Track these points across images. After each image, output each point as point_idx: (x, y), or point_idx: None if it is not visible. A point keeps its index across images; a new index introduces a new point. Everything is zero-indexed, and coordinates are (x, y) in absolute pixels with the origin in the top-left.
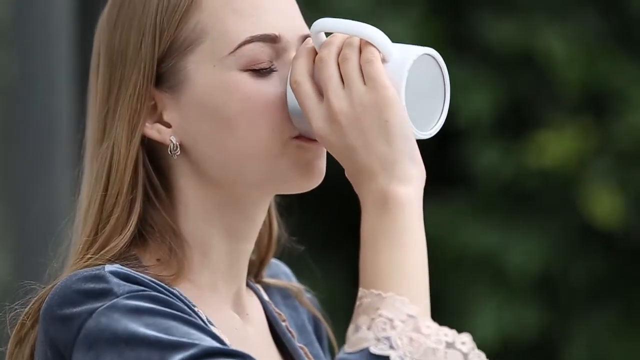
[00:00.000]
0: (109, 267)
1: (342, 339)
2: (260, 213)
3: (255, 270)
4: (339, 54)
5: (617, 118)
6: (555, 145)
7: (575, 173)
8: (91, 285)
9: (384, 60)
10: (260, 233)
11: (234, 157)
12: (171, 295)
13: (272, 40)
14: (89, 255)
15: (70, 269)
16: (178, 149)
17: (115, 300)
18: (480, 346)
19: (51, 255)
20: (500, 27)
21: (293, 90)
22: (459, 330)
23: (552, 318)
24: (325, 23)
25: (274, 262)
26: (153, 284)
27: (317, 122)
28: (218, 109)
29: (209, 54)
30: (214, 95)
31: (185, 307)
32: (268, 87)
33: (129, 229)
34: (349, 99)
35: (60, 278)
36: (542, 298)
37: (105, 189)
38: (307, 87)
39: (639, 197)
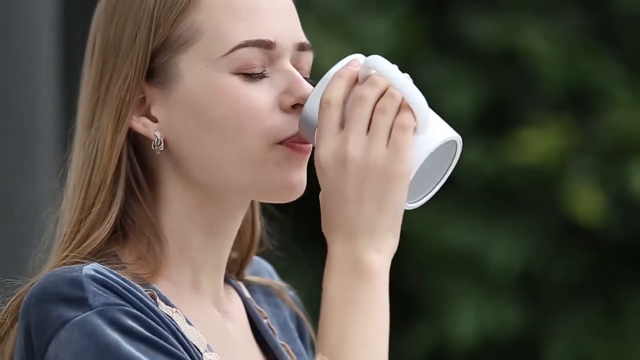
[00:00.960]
0: (87, 270)
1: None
2: (241, 212)
3: (237, 268)
4: (379, 99)
5: (599, 116)
6: (538, 143)
7: (557, 171)
8: (68, 291)
9: (415, 130)
10: (242, 230)
11: (216, 159)
12: (145, 306)
13: (266, 46)
14: (70, 248)
15: (51, 263)
16: (162, 144)
17: (89, 312)
18: (460, 344)
19: (35, 247)
20: (483, 25)
21: (321, 106)
22: (441, 329)
23: (533, 316)
24: (380, 65)
25: (257, 259)
26: (129, 291)
27: (325, 151)
28: (205, 109)
29: (202, 54)
30: (203, 95)
31: (157, 319)
32: (257, 92)
33: (109, 221)
34: (366, 151)
35: (41, 275)
36: (523, 296)
37: (90, 178)
38: (334, 113)
39: (621, 194)
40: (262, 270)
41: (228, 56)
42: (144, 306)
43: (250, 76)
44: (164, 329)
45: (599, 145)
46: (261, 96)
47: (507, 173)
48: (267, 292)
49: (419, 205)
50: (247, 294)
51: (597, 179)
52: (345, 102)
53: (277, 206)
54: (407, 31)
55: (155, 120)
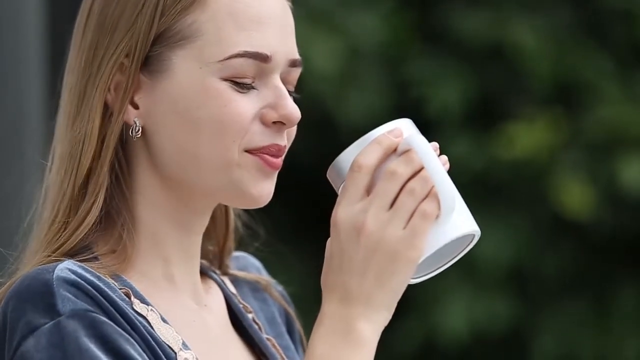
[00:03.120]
0: (59, 272)
1: (307, 327)
2: (209, 210)
3: (217, 262)
4: (410, 178)
5: (588, 110)
6: (526, 137)
7: (545, 165)
8: (38, 296)
9: (437, 217)
10: (216, 222)
11: (190, 157)
12: (116, 309)
13: (262, 59)
14: (56, 239)
15: (31, 260)
16: (140, 131)
17: (57, 320)
18: (450, 338)
19: (20, 237)
20: (471, 19)
21: (352, 168)
22: (431, 323)
23: (522, 310)
24: (419, 145)
25: (244, 255)
26: (101, 292)
27: (345, 213)
28: (191, 108)
29: (198, 55)
30: (192, 94)
31: (126, 325)
32: (244, 102)
33: (98, 206)
34: (383, 227)
35: (21, 273)
36: (512, 290)
37: (78, 164)
38: (363, 179)
39: (609, 188)
40: (249, 266)
41: (223, 62)
42: (113, 310)
43: (240, 85)
44: (130, 334)
45: (587, 139)
46: (247, 106)
47: (496, 168)
48: (254, 287)
49: (421, 281)
50: (232, 288)
51: (585, 173)
52: (377, 169)
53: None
54: (396, 26)
55: (136, 107)
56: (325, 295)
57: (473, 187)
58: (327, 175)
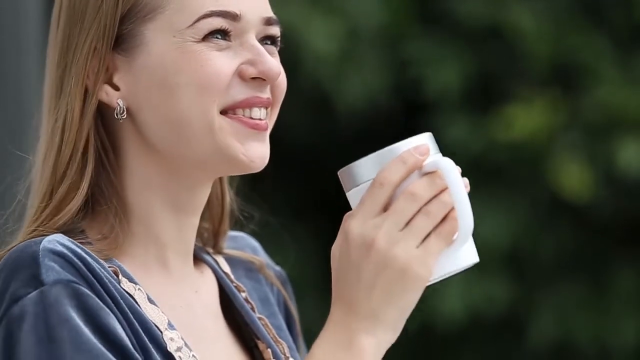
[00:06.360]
0: (47, 243)
1: (307, 308)
2: (204, 188)
3: (211, 242)
4: (432, 198)
5: (586, 92)
6: (524, 119)
7: (544, 147)
8: (24, 267)
9: (452, 242)
10: (212, 204)
11: (176, 126)
12: (100, 283)
13: (232, 17)
14: (41, 220)
15: (21, 236)
16: (125, 112)
17: (40, 290)
18: (448, 320)
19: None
20: (470, 1)
21: (375, 182)
22: (428, 305)
23: (520, 291)
24: (447, 169)
25: (241, 235)
26: (87, 265)
27: (358, 227)
28: (169, 75)
29: (168, 25)
30: (168, 62)
31: (108, 299)
32: (221, 60)
33: (80, 193)
34: (395, 245)
35: (10, 248)
36: (510, 272)
37: (59, 149)
38: (382, 196)
39: (607, 170)
40: (245, 246)
41: (194, 26)
42: (98, 284)
43: (215, 44)
44: (112, 309)
45: (585, 121)
46: (225, 63)
47: (494, 149)
48: (248, 267)
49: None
50: (226, 268)
51: (584, 155)
52: (397, 186)
53: (256, 180)
54: (394, 7)
55: (117, 88)
56: (333, 301)
57: (471, 168)
58: (339, 174)
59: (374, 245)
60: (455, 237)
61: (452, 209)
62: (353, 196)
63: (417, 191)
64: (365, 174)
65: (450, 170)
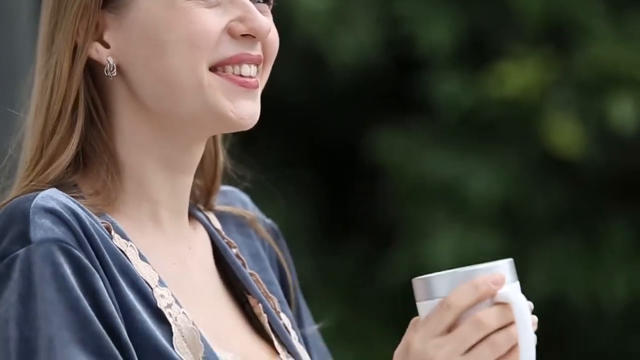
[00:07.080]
0: (39, 200)
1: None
2: (198, 147)
3: (204, 200)
4: (499, 329)
5: (578, 49)
6: (516, 76)
7: (536, 103)
8: (14, 224)
9: None
10: (205, 162)
11: (166, 83)
12: (89, 238)
13: None
14: (33, 176)
15: (14, 191)
16: (115, 69)
17: (27, 248)
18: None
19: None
20: None
21: (442, 304)
22: (419, 259)
23: (512, 246)
24: (518, 304)
25: (231, 189)
26: (79, 220)
27: (420, 341)
28: (160, 32)
29: None
30: (159, 20)
31: (97, 254)
32: (211, 17)
33: (70, 148)
34: None
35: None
36: (502, 227)
37: (49, 105)
38: (448, 318)
39: (599, 127)
40: (235, 201)
41: None
42: (86, 241)
43: (205, 1)
44: (99, 269)
45: (578, 78)
46: (214, 20)
47: (486, 106)
48: (239, 222)
49: None
50: (217, 224)
51: (576, 112)
52: (465, 310)
53: (249, 137)
54: None
55: (107, 46)
56: None
57: (463, 125)
58: (413, 282)
59: None
60: None
61: (516, 343)
62: (422, 308)
63: (485, 320)
64: (437, 291)
65: (522, 307)
